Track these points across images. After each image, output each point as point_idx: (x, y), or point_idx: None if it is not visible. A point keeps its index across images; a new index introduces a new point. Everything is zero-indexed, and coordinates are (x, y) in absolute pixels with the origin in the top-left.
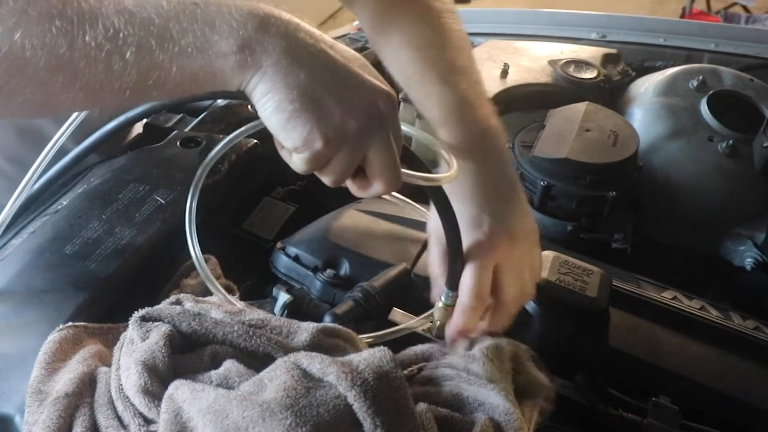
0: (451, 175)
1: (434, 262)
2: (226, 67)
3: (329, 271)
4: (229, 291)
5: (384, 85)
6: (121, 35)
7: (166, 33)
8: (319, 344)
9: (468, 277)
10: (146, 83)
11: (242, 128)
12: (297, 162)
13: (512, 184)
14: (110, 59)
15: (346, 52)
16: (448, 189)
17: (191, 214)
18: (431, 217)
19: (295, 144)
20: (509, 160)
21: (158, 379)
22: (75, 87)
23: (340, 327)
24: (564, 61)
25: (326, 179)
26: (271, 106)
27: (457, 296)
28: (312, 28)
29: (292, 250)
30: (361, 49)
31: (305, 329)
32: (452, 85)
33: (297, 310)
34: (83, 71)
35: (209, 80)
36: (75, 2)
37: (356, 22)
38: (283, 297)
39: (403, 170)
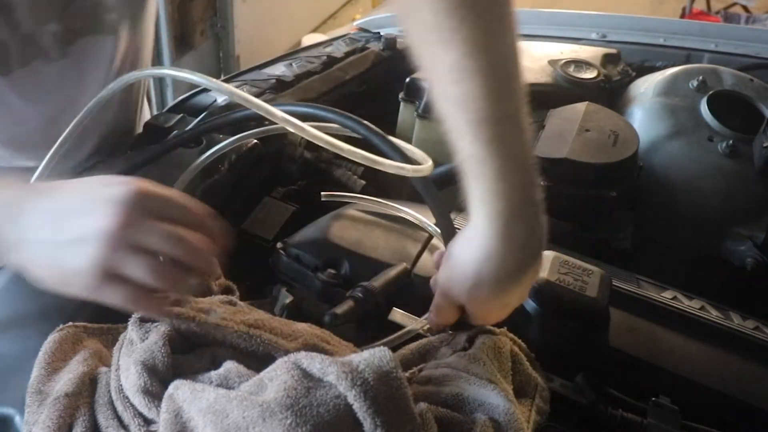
0: (425, 167)
1: (437, 313)
2: None
3: (329, 271)
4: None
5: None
6: None
7: None
8: (317, 346)
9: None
10: None
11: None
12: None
13: (523, 262)
14: None
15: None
16: None
17: None
18: (440, 271)
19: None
20: (529, 241)
21: (158, 379)
22: None
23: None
24: (564, 61)
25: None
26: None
27: None
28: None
29: (292, 250)
30: (361, 49)
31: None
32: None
33: (297, 310)
34: None
35: None
36: None
37: (356, 22)
38: (283, 297)
39: (377, 158)
